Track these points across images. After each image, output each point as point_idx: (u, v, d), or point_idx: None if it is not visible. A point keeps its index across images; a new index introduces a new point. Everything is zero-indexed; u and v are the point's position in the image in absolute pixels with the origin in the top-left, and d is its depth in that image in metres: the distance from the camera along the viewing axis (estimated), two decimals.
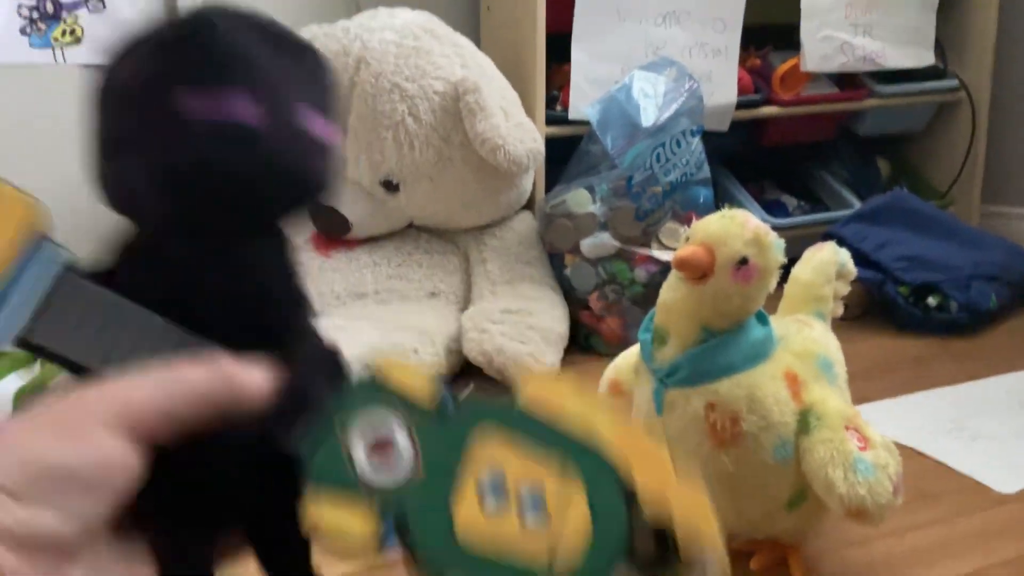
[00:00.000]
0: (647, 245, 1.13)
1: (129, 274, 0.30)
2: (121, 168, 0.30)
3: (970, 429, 0.88)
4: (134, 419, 0.26)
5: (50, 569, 0.24)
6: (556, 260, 1.17)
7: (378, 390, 0.30)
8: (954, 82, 1.50)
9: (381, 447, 0.29)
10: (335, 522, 0.28)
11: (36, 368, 0.82)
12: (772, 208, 1.42)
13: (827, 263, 0.70)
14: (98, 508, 0.25)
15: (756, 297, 0.57)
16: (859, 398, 0.94)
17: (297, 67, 0.32)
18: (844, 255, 0.71)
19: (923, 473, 0.80)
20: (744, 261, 0.55)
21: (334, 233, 1.11)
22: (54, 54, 1.23)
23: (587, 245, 1.12)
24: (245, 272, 0.31)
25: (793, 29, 1.35)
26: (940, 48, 1.50)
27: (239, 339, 0.29)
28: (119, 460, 0.25)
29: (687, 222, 1.16)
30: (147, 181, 0.29)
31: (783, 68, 1.37)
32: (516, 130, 1.07)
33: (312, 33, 1.14)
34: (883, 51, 1.43)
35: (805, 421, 0.57)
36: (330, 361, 0.32)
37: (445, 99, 1.07)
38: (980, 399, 0.96)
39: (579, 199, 1.13)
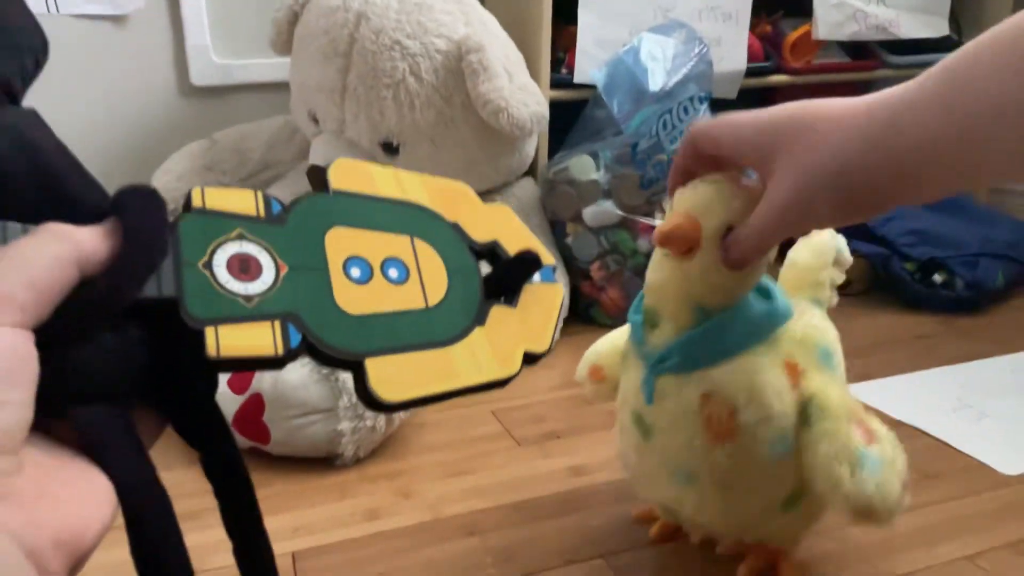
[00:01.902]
0: (651, 215, 1.11)
1: None
2: None
3: (974, 408, 0.87)
4: (17, 308, 0.25)
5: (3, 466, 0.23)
6: (558, 228, 1.14)
7: (209, 217, 0.31)
8: None
9: (239, 264, 0.31)
10: (238, 341, 0.29)
11: None
12: None
13: (826, 246, 0.65)
14: (20, 393, 0.24)
15: (758, 270, 0.52)
16: (862, 375, 0.94)
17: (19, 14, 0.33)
18: (841, 241, 0.67)
19: (926, 453, 0.79)
20: (732, 228, 0.50)
21: None
22: (47, 2, 1.20)
23: (589, 213, 1.10)
24: (25, 135, 0.29)
25: None
26: (955, 18, 1.46)
27: (28, 210, 0.28)
28: (21, 343, 0.25)
29: None
30: None
31: (794, 35, 1.34)
32: (520, 92, 1.04)
33: None
34: (897, 20, 1.39)
35: (806, 413, 0.53)
36: (152, 202, 0.30)
37: (448, 58, 1.04)
38: (985, 378, 0.95)
39: (582, 166, 1.11)
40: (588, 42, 1.21)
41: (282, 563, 0.63)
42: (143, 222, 0.29)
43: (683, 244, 0.50)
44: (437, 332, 0.35)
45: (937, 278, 1.17)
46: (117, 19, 1.24)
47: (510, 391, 0.92)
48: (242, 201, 0.32)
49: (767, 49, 1.35)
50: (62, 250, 0.27)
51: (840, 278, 0.67)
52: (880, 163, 0.40)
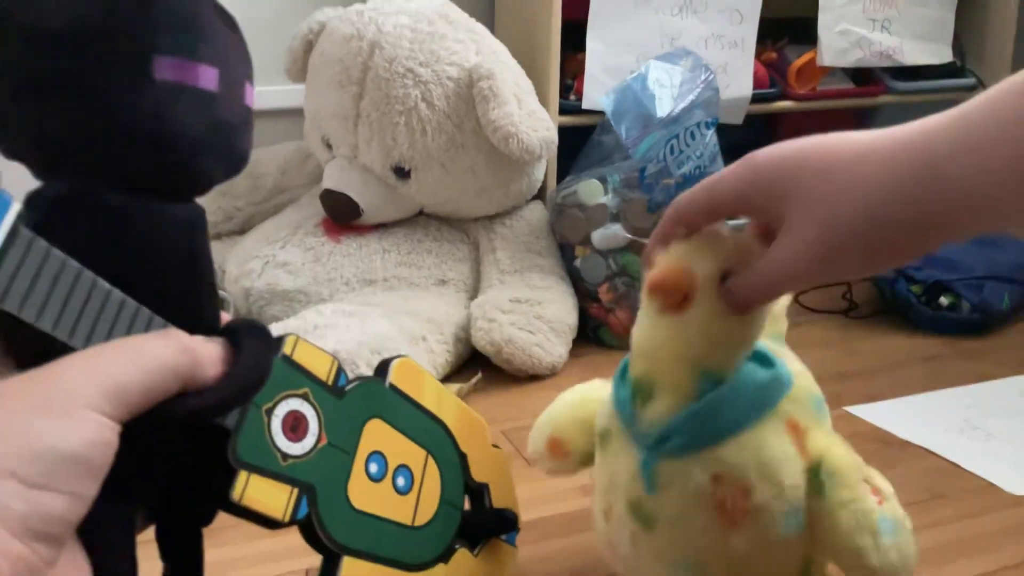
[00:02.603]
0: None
1: (62, 229, 0.28)
2: (56, 115, 0.28)
3: (982, 429, 0.88)
4: (119, 399, 0.26)
5: (50, 556, 0.24)
6: (566, 251, 1.16)
7: (290, 368, 0.34)
8: (972, 80, 1.49)
9: (292, 422, 0.33)
10: (258, 495, 0.31)
11: None
12: None
13: None
14: (91, 488, 0.25)
15: (759, 319, 0.46)
16: (869, 396, 0.94)
17: (238, 42, 0.34)
18: None
19: (934, 473, 0.79)
20: (728, 276, 0.45)
21: (344, 218, 1.10)
22: None
23: (598, 236, 1.11)
24: (181, 232, 0.32)
25: (810, 23, 1.34)
26: (958, 45, 1.48)
27: (167, 303, 0.30)
28: (107, 438, 0.25)
29: None
30: (90, 130, 0.29)
31: (799, 62, 1.36)
32: (529, 118, 1.07)
33: (326, 16, 1.13)
34: (901, 47, 1.41)
35: (817, 480, 0.47)
36: (267, 344, 0.33)
37: (459, 85, 1.06)
38: (992, 400, 0.95)
39: (591, 190, 1.12)
40: (596, 69, 1.23)
41: None
42: (255, 364, 0.31)
43: (677, 293, 0.45)
44: (410, 554, 0.38)
45: (943, 300, 1.18)
46: None
47: (521, 411, 0.93)
48: (321, 364, 0.35)
49: (772, 75, 1.37)
50: (179, 363, 0.28)
51: (784, 300, 0.61)
52: (919, 212, 0.36)
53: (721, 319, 0.45)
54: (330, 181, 1.10)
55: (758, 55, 1.33)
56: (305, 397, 0.33)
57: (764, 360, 0.49)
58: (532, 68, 1.18)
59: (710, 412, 0.46)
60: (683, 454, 0.47)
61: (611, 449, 0.51)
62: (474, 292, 1.11)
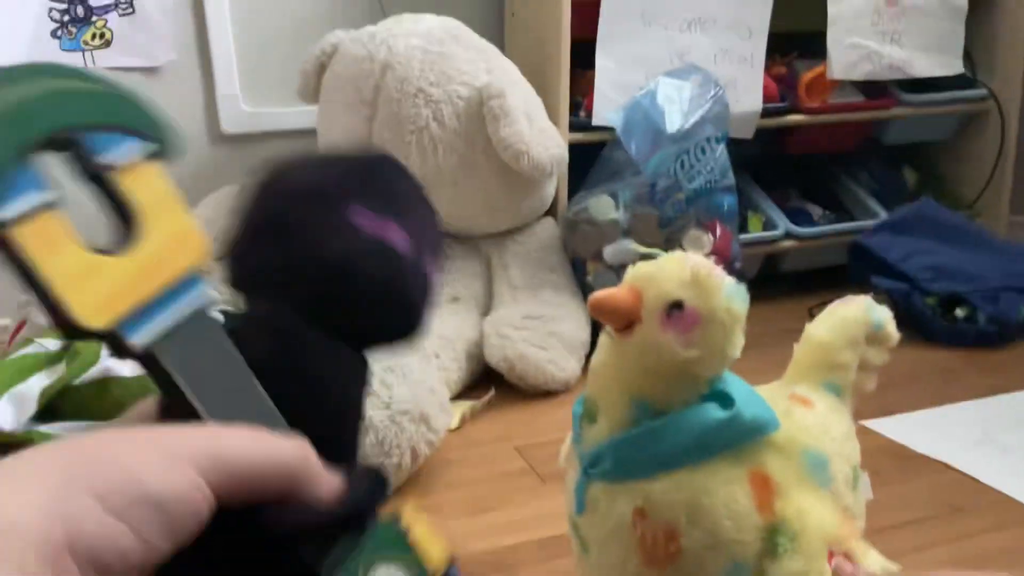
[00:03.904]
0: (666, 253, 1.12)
1: (242, 339, 0.31)
2: (270, 252, 0.33)
3: (999, 443, 0.87)
4: (223, 468, 0.26)
5: None
6: (578, 267, 1.16)
7: (400, 538, 0.32)
8: (983, 91, 1.48)
9: None
10: None
11: (62, 367, 0.82)
12: (797, 217, 1.41)
13: (852, 322, 0.54)
14: (162, 542, 0.24)
15: (704, 359, 0.44)
16: (885, 410, 0.94)
17: (434, 224, 0.37)
18: (881, 314, 0.55)
19: (951, 487, 0.79)
20: (678, 305, 0.43)
21: None
22: (84, 57, 1.25)
23: (610, 252, 1.12)
24: (343, 374, 0.34)
25: (819, 37, 1.34)
26: (968, 57, 1.48)
27: (309, 433, 0.31)
28: (198, 501, 0.25)
29: (711, 230, 1.15)
30: (294, 267, 0.33)
31: (809, 76, 1.36)
32: (540, 136, 1.07)
33: (338, 38, 1.14)
34: (910, 59, 1.41)
35: (773, 541, 0.44)
36: (377, 482, 0.33)
37: (469, 104, 1.07)
38: (1009, 412, 0.94)
39: (602, 206, 1.13)
40: (606, 86, 1.24)
41: None
42: (365, 498, 0.31)
43: (619, 316, 0.44)
44: None
45: (959, 312, 1.17)
46: (150, 71, 1.29)
47: (534, 428, 0.93)
48: (435, 551, 0.33)
49: (782, 90, 1.37)
50: (296, 464, 0.28)
51: (880, 359, 0.56)
52: None
53: (658, 350, 0.43)
54: None
55: (768, 69, 1.33)
56: (408, 573, 0.32)
57: (726, 401, 0.45)
58: (542, 86, 1.19)
59: (639, 443, 0.44)
60: (611, 481, 0.46)
61: (571, 464, 0.51)
62: (486, 309, 1.12)
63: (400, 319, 0.35)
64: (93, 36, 1.25)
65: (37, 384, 0.80)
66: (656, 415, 0.45)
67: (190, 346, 0.29)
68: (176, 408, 0.29)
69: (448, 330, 1.02)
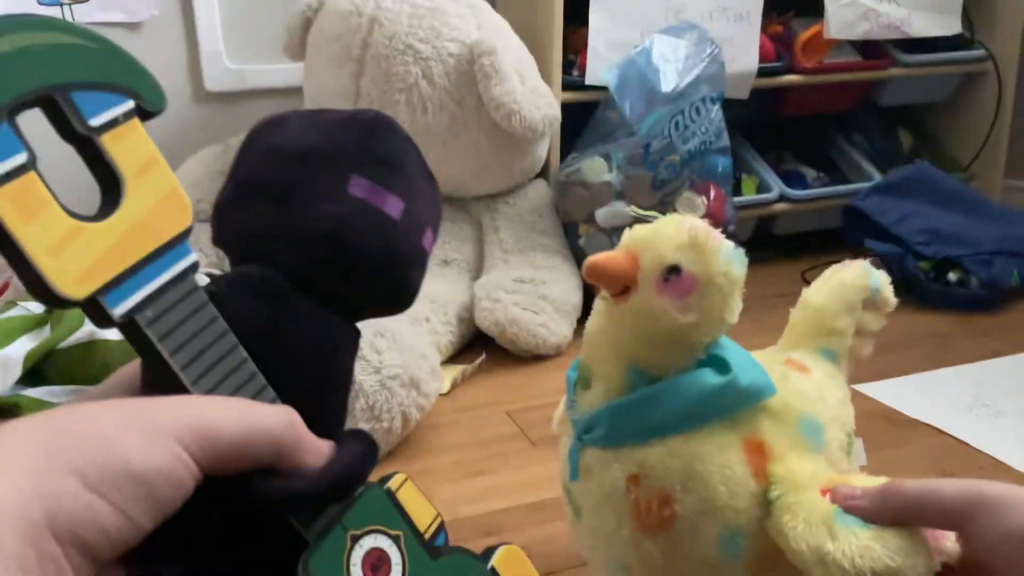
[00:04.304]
0: (664, 215, 1.11)
1: (230, 301, 0.31)
2: (260, 214, 0.33)
3: (991, 407, 0.87)
4: (207, 440, 0.25)
5: (82, 568, 0.23)
6: (570, 229, 1.15)
7: (389, 503, 0.32)
8: (981, 52, 1.46)
9: (375, 560, 0.30)
10: None
11: (46, 331, 0.81)
12: (791, 179, 1.40)
13: (850, 287, 0.54)
14: (144, 518, 0.24)
15: (702, 324, 0.43)
16: (878, 374, 0.94)
17: (431, 193, 0.37)
18: (878, 279, 0.55)
19: (943, 451, 0.79)
20: (675, 270, 0.42)
21: None
22: (62, 12, 1.21)
23: (602, 215, 1.10)
24: (332, 341, 0.33)
25: None
26: (967, 16, 1.46)
27: (295, 399, 0.30)
28: (182, 474, 0.25)
29: (705, 192, 1.14)
30: (284, 227, 0.32)
31: (805, 35, 1.34)
32: (532, 95, 1.05)
33: None
34: (909, 18, 1.39)
35: (768, 498, 0.43)
36: (365, 449, 0.32)
37: (460, 62, 1.04)
38: (1001, 377, 0.94)
39: (595, 167, 1.11)
40: (599, 44, 1.21)
41: None
42: (353, 464, 0.30)
43: (615, 281, 0.43)
44: None
45: (952, 277, 1.17)
46: (132, 26, 1.26)
47: (525, 392, 0.92)
48: (424, 514, 0.33)
49: (779, 49, 1.35)
50: (281, 433, 0.27)
51: (878, 324, 0.56)
52: None
53: (655, 316, 0.43)
54: None
55: (764, 28, 1.31)
56: (396, 541, 0.31)
57: (722, 367, 0.44)
58: (534, 43, 1.16)
59: (634, 409, 0.44)
60: (605, 447, 0.45)
61: (564, 431, 0.50)
62: (477, 272, 1.10)
63: (392, 289, 0.35)
64: None
65: (21, 347, 0.79)
66: (651, 381, 0.44)
67: (173, 314, 0.28)
68: (159, 376, 0.28)
69: (439, 294, 1.01)
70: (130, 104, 0.28)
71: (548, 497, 0.72)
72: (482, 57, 1.03)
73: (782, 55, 1.34)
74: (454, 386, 0.93)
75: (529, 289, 1.01)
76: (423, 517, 0.33)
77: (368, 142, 0.34)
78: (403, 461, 0.79)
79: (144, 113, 0.29)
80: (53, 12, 1.20)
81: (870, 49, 1.41)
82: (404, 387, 0.76)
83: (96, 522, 0.23)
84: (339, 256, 0.32)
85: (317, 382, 0.32)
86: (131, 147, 0.28)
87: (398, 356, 0.77)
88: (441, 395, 0.88)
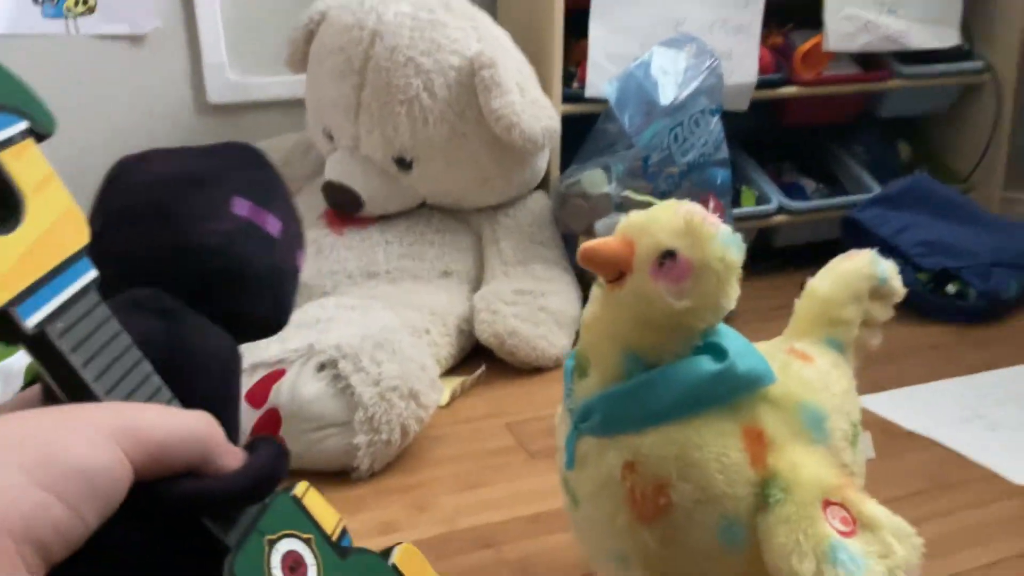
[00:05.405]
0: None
1: (125, 323, 0.31)
2: (141, 237, 0.34)
3: (988, 419, 0.87)
4: (140, 441, 0.26)
5: (36, 567, 0.23)
6: (570, 241, 1.15)
7: (298, 508, 0.33)
8: (980, 64, 1.47)
9: (292, 562, 0.32)
10: None
11: None
12: (790, 190, 1.40)
13: (855, 276, 0.54)
14: (91, 514, 0.24)
15: (698, 310, 0.43)
16: (875, 386, 0.94)
17: (296, 219, 0.39)
18: (885, 269, 0.55)
19: (939, 463, 0.79)
20: (670, 255, 0.42)
21: (347, 210, 1.10)
22: (66, 24, 1.22)
23: (602, 226, 1.11)
24: (222, 354, 0.34)
25: (816, 6, 1.32)
26: (966, 28, 1.46)
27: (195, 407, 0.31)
28: (122, 473, 0.25)
29: (704, 204, 1.14)
30: (166, 248, 0.33)
31: (805, 47, 1.35)
32: (532, 107, 1.06)
33: (326, 5, 1.12)
34: (908, 31, 1.39)
35: (765, 494, 0.43)
36: (277, 454, 0.33)
37: (461, 74, 1.05)
38: (998, 388, 0.95)
39: (594, 179, 1.12)
40: (599, 56, 1.22)
41: None
42: (268, 466, 0.31)
43: (610, 267, 0.43)
44: None
45: (950, 288, 1.17)
46: (135, 39, 1.27)
47: (524, 404, 0.93)
48: (328, 517, 0.35)
49: (778, 61, 1.35)
50: (204, 433, 0.28)
51: (885, 314, 0.56)
52: None
53: (650, 301, 0.42)
54: (332, 173, 1.09)
55: (763, 40, 1.31)
56: (308, 543, 0.33)
57: (720, 354, 0.44)
58: (534, 56, 1.17)
59: (629, 397, 0.44)
60: (601, 435, 0.45)
61: (563, 419, 0.50)
62: (477, 284, 1.11)
63: (275, 305, 0.36)
64: (76, 2, 1.22)
65: (23, 359, 0.79)
66: (648, 368, 0.44)
67: (81, 326, 0.29)
68: (68, 391, 0.29)
69: (439, 305, 1.02)
70: (24, 124, 0.29)
71: (546, 509, 0.72)
72: (482, 69, 1.03)
73: (781, 67, 1.35)
74: (453, 398, 0.94)
75: (529, 301, 1.02)
76: (328, 520, 0.35)
77: (245, 166, 0.36)
78: (401, 473, 0.79)
79: (39, 132, 0.29)
80: (58, 24, 1.21)
81: (869, 61, 1.42)
82: (403, 399, 0.77)
83: (49, 519, 0.23)
84: (227, 271, 0.34)
85: (218, 392, 0.34)
86: (28, 164, 0.28)
87: (397, 368, 0.77)
88: (440, 407, 0.89)
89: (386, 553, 0.38)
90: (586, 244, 0.43)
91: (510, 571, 0.64)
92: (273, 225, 0.35)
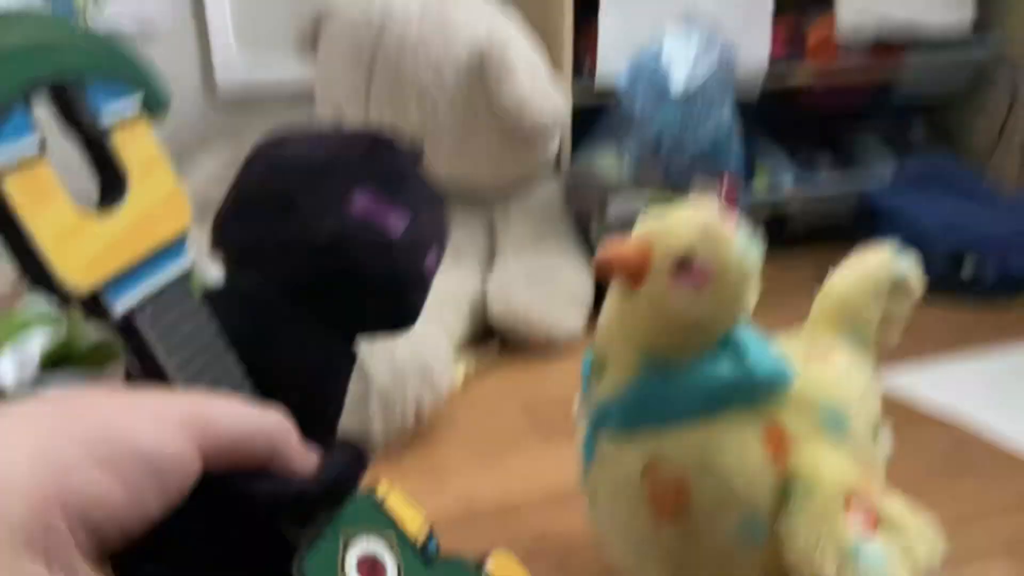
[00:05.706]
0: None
1: (221, 309, 0.31)
2: (260, 226, 0.33)
3: (1006, 398, 0.87)
4: (209, 433, 0.25)
5: (86, 547, 0.22)
6: (581, 224, 1.15)
7: (380, 510, 0.32)
8: (994, 43, 1.45)
9: (371, 564, 0.30)
10: None
11: (63, 329, 0.82)
12: (804, 174, 1.39)
13: (875, 273, 0.53)
14: (153, 501, 0.24)
15: (716, 315, 0.43)
16: (891, 366, 0.93)
17: (437, 215, 0.37)
18: (904, 266, 0.54)
19: (957, 442, 0.78)
20: (688, 260, 0.42)
21: None
22: (75, 19, 1.23)
23: (615, 210, 1.10)
24: (316, 363, 0.33)
25: None
26: (980, 8, 1.45)
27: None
28: (188, 463, 0.24)
29: (718, 184, 1.14)
30: (287, 242, 0.32)
31: (817, 32, 1.34)
32: (541, 93, 1.06)
33: None
34: (920, 16, 1.38)
35: (787, 493, 0.42)
36: (355, 458, 0.32)
37: (470, 62, 1.05)
38: (1016, 368, 0.94)
39: (606, 163, 1.11)
40: (609, 43, 1.22)
41: None
42: (343, 470, 0.30)
43: (625, 272, 0.43)
44: None
45: (967, 268, 1.16)
46: (144, 34, 1.27)
47: (539, 385, 0.93)
48: (413, 520, 0.33)
49: (789, 48, 1.34)
50: (274, 431, 0.27)
51: (904, 310, 0.55)
52: None
53: (668, 307, 0.42)
54: None
55: (775, 25, 1.31)
56: (390, 545, 0.31)
57: (739, 355, 0.44)
58: (544, 43, 1.17)
59: (648, 397, 0.44)
60: (620, 435, 0.45)
61: (581, 418, 0.50)
62: (489, 266, 1.11)
63: (391, 310, 0.35)
64: None
65: (39, 343, 0.79)
66: (666, 369, 0.44)
67: (170, 315, 0.28)
68: (150, 377, 0.28)
69: (451, 285, 1.02)
70: (139, 102, 0.28)
71: (562, 490, 0.72)
72: (492, 57, 1.03)
73: (792, 54, 1.34)
74: (467, 378, 0.94)
75: (541, 282, 1.02)
76: (412, 523, 0.33)
77: (372, 158, 0.34)
78: (417, 453, 0.79)
79: (153, 112, 0.29)
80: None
81: (882, 45, 1.40)
82: (417, 379, 0.77)
83: (106, 499, 0.22)
84: (336, 270, 0.33)
85: (301, 395, 0.32)
86: (138, 144, 0.28)
87: (411, 348, 0.77)
88: (455, 387, 0.89)
89: (479, 563, 0.36)
90: (601, 255, 0.43)
91: (525, 549, 0.64)
92: (395, 223, 0.33)
